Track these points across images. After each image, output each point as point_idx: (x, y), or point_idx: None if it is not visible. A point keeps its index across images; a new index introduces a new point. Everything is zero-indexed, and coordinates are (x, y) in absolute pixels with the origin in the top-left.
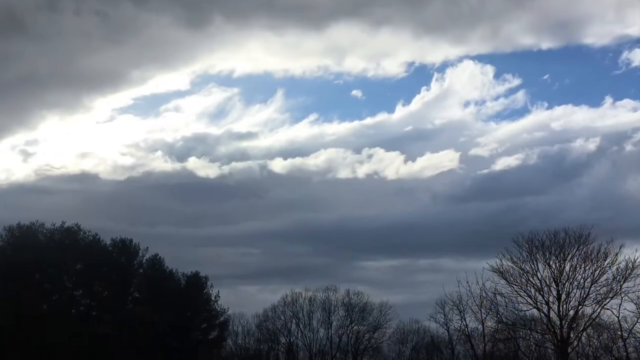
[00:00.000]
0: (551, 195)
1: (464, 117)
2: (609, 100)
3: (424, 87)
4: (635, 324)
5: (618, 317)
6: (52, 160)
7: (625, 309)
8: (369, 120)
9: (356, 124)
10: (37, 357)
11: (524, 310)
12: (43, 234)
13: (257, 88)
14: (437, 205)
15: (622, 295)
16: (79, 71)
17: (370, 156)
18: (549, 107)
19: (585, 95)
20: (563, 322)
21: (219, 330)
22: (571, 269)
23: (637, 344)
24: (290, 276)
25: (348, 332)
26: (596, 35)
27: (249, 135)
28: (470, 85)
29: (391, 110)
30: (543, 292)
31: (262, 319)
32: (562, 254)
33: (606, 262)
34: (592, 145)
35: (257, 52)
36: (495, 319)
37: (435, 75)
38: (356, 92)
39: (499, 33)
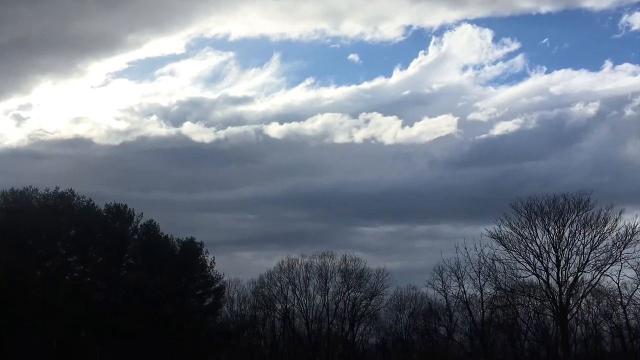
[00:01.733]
0: (550, 161)
1: (462, 82)
2: (608, 64)
3: (422, 51)
4: (635, 290)
5: (618, 284)
6: (45, 125)
7: (625, 275)
8: (366, 85)
9: (353, 88)
10: (31, 323)
11: (523, 277)
12: (36, 199)
13: (253, 52)
14: (435, 170)
15: (622, 262)
16: (73, 35)
17: (367, 121)
18: (548, 72)
19: (584, 60)
20: (562, 288)
21: (215, 297)
22: (570, 235)
23: (637, 310)
24: (287, 242)
25: (345, 298)
26: None
27: (245, 100)
28: (468, 49)
29: (388, 74)
30: (542, 259)
31: (258, 285)
32: (561, 220)
33: (606, 228)
34: (591, 109)
35: (253, 15)
36: (494, 285)
37: (433, 39)
38: (353, 56)
39: None
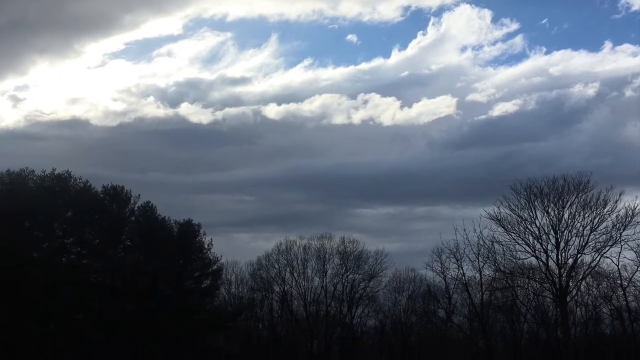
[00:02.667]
0: (550, 142)
1: (461, 62)
2: (608, 45)
3: (421, 32)
4: (635, 272)
5: (617, 266)
6: (42, 106)
7: (624, 257)
8: (364, 66)
9: (351, 69)
10: (27, 305)
11: (522, 259)
12: (33, 180)
13: (250, 32)
14: (434, 151)
15: (622, 243)
16: (70, 15)
17: (365, 102)
18: (548, 52)
19: (584, 40)
20: (562, 270)
21: (212, 279)
22: (570, 217)
23: (637, 292)
24: (285, 224)
25: (343, 280)
26: None
27: (243, 81)
28: (467, 29)
29: (387, 55)
30: (541, 240)
31: (256, 267)
32: (560, 202)
33: (605, 210)
34: (591, 90)
35: None
36: (493, 267)
37: (432, 19)
38: (351, 37)
39: None
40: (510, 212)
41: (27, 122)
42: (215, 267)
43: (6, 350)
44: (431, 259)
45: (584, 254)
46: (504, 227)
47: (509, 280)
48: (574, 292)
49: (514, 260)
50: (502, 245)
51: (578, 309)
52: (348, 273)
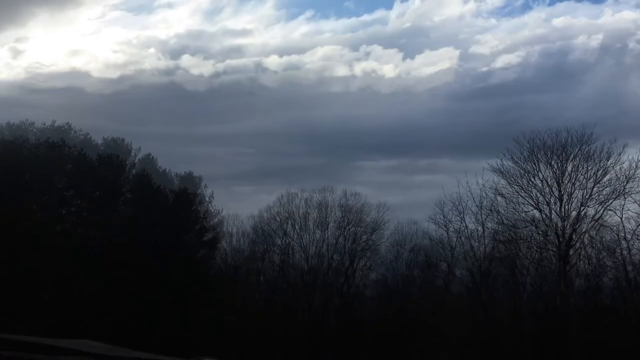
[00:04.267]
0: (553, 94)
1: (464, 14)
2: None
3: None
4: (639, 225)
5: (621, 218)
6: (42, 57)
7: (628, 210)
8: (366, 17)
9: (353, 20)
10: (27, 258)
11: (525, 212)
12: (33, 133)
13: None
14: (436, 103)
15: (626, 196)
16: None
17: (367, 54)
18: (551, 4)
19: None
20: (565, 223)
21: (213, 232)
22: (573, 169)
23: None
24: (286, 177)
25: (345, 233)
26: None
27: (244, 33)
28: None
29: (389, 6)
30: (544, 193)
31: (257, 220)
32: (564, 154)
33: (609, 162)
34: (594, 42)
35: None
36: (496, 220)
37: None
38: None
39: None
40: (513, 165)
41: (27, 74)
42: (216, 220)
43: (4, 301)
44: (433, 212)
45: (588, 206)
46: (506, 180)
47: (512, 233)
48: (577, 245)
49: (517, 213)
50: (505, 198)
51: (581, 261)
52: (350, 226)
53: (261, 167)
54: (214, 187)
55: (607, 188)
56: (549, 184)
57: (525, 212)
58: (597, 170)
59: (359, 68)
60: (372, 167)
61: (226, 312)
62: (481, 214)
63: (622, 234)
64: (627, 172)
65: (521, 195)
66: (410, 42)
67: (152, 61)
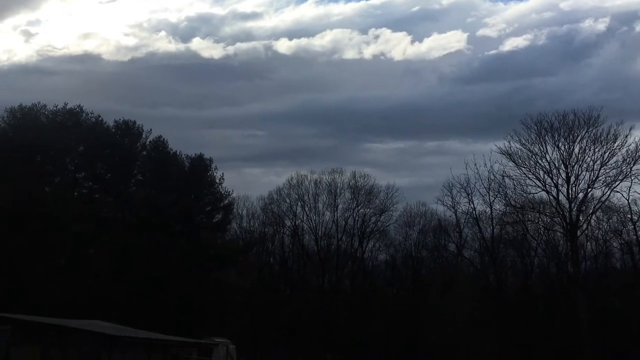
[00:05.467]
0: (560, 77)
1: None
2: None
3: None
4: None
5: (628, 200)
6: (54, 40)
7: (635, 191)
8: (375, 1)
9: (362, 3)
10: (39, 239)
11: (533, 193)
12: (45, 115)
13: None
14: (444, 86)
15: (632, 178)
16: None
17: (376, 37)
18: None
19: None
20: (572, 205)
21: (223, 213)
22: (580, 151)
23: None
24: (296, 158)
25: (354, 215)
26: None
27: (254, 16)
28: None
29: None
30: (552, 175)
31: (267, 201)
32: (571, 136)
33: (616, 144)
34: (601, 25)
35: None
36: (504, 201)
37: None
38: None
39: None
40: (521, 147)
41: (39, 57)
42: (226, 201)
43: (17, 285)
44: (442, 194)
45: (594, 188)
46: (514, 162)
47: (520, 215)
48: (585, 226)
49: (525, 195)
50: (513, 179)
51: (588, 243)
52: (359, 207)
53: (271, 149)
54: (224, 168)
55: (614, 170)
56: (556, 165)
57: (533, 193)
58: (604, 152)
59: (367, 51)
60: (381, 149)
61: (236, 293)
62: (489, 196)
63: (629, 216)
64: (634, 154)
65: (529, 177)
66: (418, 25)
67: (163, 44)
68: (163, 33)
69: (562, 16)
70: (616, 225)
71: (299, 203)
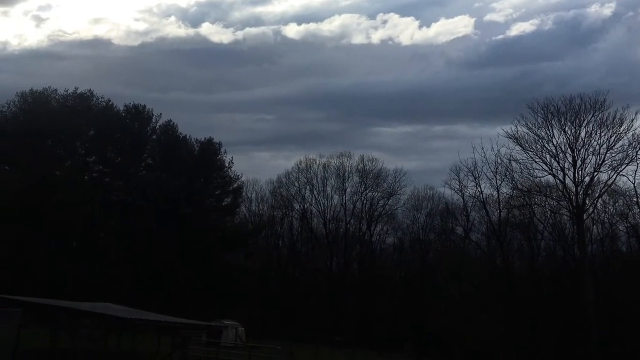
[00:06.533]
0: (566, 61)
1: None
2: None
3: None
4: None
5: (634, 184)
6: (65, 25)
7: None
8: None
9: None
10: (49, 223)
11: (539, 177)
12: (56, 100)
13: None
14: (452, 71)
15: (638, 162)
16: None
17: (384, 22)
18: None
19: None
20: (578, 188)
21: (233, 197)
22: (587, 135)
23: None
24: (304, 142)
25: (362, 198)
26: None
27: (263, 1)
28: None
29: None
30: (558, 159)
31: (276, 185)
32: (577, 120)
33: (622, 128)
34: (607, 10)
35: None
36: (511, 185)
37: None
38: None
39: None
40: (528, 131)
41: (50, 42)
42: (235, 185)
43: (27, 268)
44: (449, 177)
45: (601, 172)
46: (521, 146)
47: (527, 198)
48: (591, 209)
49: (532, 178)
50: (520, 163)
51: (594, 226)
52: (367, 191)
53: (280, 133)
54: (234, 152)
55: (620, 154)
56: (563, 149)
57: (540, 177)
58: (610, 136)
59: (376, 36)
60: (389, 133)
61: (245, 276)
62: (496, 180)
63: (635, 200)
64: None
65: (535, 161)
66: (426, 10)
67: (173, 29)
68: (173, 18)
69: (569, 1)
70: (622, 208)
71: (308, 187)
